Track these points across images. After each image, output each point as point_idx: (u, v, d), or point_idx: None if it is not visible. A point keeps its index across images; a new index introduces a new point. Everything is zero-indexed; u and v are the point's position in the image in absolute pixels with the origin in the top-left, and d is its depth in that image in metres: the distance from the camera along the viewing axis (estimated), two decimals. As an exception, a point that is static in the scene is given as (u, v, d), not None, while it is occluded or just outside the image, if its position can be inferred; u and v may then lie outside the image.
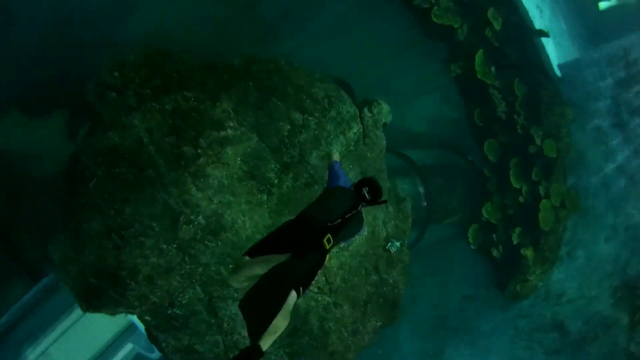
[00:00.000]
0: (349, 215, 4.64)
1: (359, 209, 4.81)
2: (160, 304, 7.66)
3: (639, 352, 13.56)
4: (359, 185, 4.95)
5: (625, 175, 14.10)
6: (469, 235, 14.84)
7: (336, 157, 5.52)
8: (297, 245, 4.29)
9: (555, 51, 13.81)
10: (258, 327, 3.87)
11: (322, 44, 12.88)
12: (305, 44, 12.66)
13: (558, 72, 13.88)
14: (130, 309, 7.75)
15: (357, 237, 5.23)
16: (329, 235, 4.39)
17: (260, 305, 3.98)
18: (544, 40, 13.44)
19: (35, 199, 10.11)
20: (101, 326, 9.46)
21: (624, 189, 14.15)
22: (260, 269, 4.22)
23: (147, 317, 7.76)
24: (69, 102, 10.29)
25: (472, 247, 14.92)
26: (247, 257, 4.34)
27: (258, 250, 4.36)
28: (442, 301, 15.77)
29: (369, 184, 4.93)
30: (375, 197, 4.94)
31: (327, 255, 4.46)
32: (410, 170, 13.97)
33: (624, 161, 14.18)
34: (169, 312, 7.70)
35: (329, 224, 4.45)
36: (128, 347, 10.35)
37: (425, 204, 14.21)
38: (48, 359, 9.61)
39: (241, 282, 4.41)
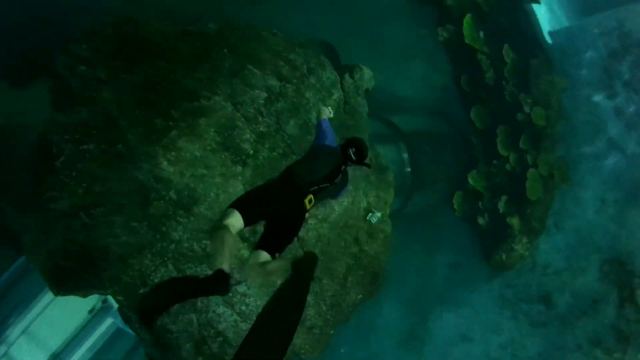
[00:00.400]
0: (333, 174, 4.85)
1: (343, 169, 5.03)
2: (133, 283, 7.77)
3: (628, 329, 13.93)
4: (346, 145, 5.14)
5: (616, 148, 14.35)
6: (454, 202, 15.06)
7: (326, 114, 5.63)
8: (278, 206, 4.45)
9: (546, 18, 13.96)
10: None
11: (308, 7, 12.82)
12: (291, 8, 12.61)
13: (549, 40, 14.03)
14: (102, 290, 7.88)
15: (343, 194, 5.39)
16: (310, 196, 4.58)
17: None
18: (535, 6, 13.55)
19: (15, 173, 10.04)
20: (81, 301, 9.63)
21: (615, 162, 14.40)
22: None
23: (119, 297, 7.88)
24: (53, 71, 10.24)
25: (458, 215, 15.13)
26: (233, 209, 4.29)
27: (244, 202, 4.40)
28: (426, 268, 16.08)
29: (356, 144, 5.13)
30: (361, 158, 5.13)
31: (306, 214, 4.64)
32: (395, 137, 14.09)
33: (615, 134, 14.42)
34: (141, 291, 7.82)
35: (312, 183, 4.63)
36: (108, 321, 10.60)
37: (409, 170, 14.34)
38: (30, 337, 9.80)
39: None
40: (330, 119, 5.54)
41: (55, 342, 10.47)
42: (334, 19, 13.23)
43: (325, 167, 4.85)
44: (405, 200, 14.34)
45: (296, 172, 4.70)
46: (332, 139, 5.26)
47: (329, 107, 6.12)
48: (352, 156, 5.07)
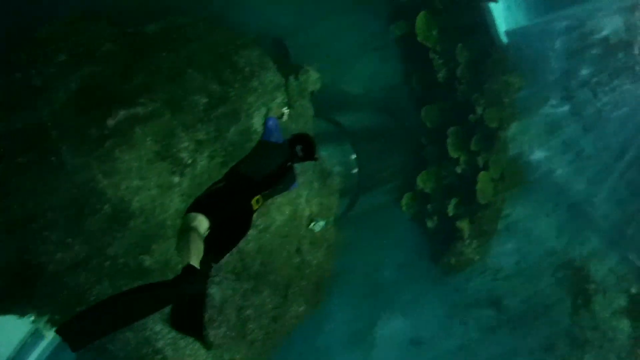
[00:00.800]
0: (280, 172, 5.19)
1: (289, 165, 5.36)
2: (69, 302, 8.02)
3: (583, 336, 14.71)
4: (293, 141, 5.47)
5: (572, 151, 14.98)
6: (403, 204, 15.59)
7: (273, 113, 6.03)
8: (226, 208, 4.66)
9: (503, 16, 14.19)
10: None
11: (259, 2, 12.99)
12: (240, 2, 12.76)
13: (505, 39, 14.38)
14: (38, 309, 8.09)
15: (291, 189, 5.78)
16: (258, 196, 4.86)
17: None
18: (492, 5, 13.95)
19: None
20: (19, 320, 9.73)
21: (569, 165, 15.05)
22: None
23: (57, 316, 8.11)
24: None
25: (407, 217, 15.66)
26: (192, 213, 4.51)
27: (197, 206, 4.60)
28: (374, 271, 16.45)
29: (303, 140, 5.47)
30: (309, 154, 5.46)
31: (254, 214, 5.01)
32: (342, 137, 14.47)
33: (571, 136, 15.00)
34: (78, 310, 8.07)
35: (258, 183, 4.93)
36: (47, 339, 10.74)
37: (356, 171, 14.82)
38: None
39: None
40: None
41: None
42: (289, 12, 13.42)
43: (270, 165, 5.17)
44: (352, 202, 14.75)
45: (241, 171, 5.01)
46: (278, 136, 5.65)
47: (286, 109, 6.58)
48: (299, 152, 5.41)
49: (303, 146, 5.38)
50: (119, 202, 8.20)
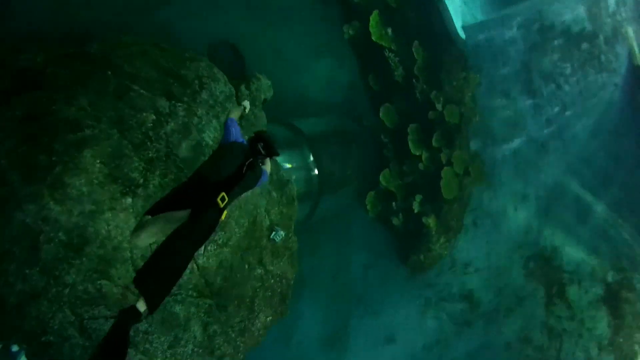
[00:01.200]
0: (241, 170, 5.58)
1: (252, 161, 5.74)
2: (33, 331, 8.24)
3: (560, 326, 15.19)
4: (253, 140, 5.94)
5: (536, 143, 15.46)
6: (367, 203, 15.97)
7: (234, 114, 6.43)
8: (193, 205, 5.14)
9: (460, 12, 14.57)
10: (156, 298, 4.75)
11: (211, 9, 13.21)
12: (192, 11, 12.97)
13: (462, 35, 14.82)
14: (4, 340, 8.30)
15: (259, 186, 6.21)
16: (222, 194, 5.24)
17: (158, 277, 4.80)
18: (447, 1, 14.37)
19: None
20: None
21: (536, 157, 15.54)
22: (161, 228, 5.11)
23: (24, 345, 8.33)
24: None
25: (371, 216, 16.06)
26: (148, 217, 5.16)
27: (157, 209, 5.19)
28: (342, 271, 16.99)
29: (262, 138, 5.94)
30: (270, 150, 5.97)
31: (225, 212, 5.37)
32: (299, 141, 14.80)
33: (534, 128, 15.52)
34: (43, 339, 8.31)
35: (220, 182, 5.32)
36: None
37: (316, 173, 15.21)
38: None
39: (145, 241, 5.23)
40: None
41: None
42: (240, 20, 13.66)
43: (232, 164, 5.56)
44: (314, 205, 15.10)
45: (203, 173, 5.42)
46: (238, 135, 6.07)
47: (246, 102, 6.98)
48: (261, 150, 5.88)
49: (264, 142, 5.82)
50: (73, 229, 8.41)
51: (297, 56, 15.04)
